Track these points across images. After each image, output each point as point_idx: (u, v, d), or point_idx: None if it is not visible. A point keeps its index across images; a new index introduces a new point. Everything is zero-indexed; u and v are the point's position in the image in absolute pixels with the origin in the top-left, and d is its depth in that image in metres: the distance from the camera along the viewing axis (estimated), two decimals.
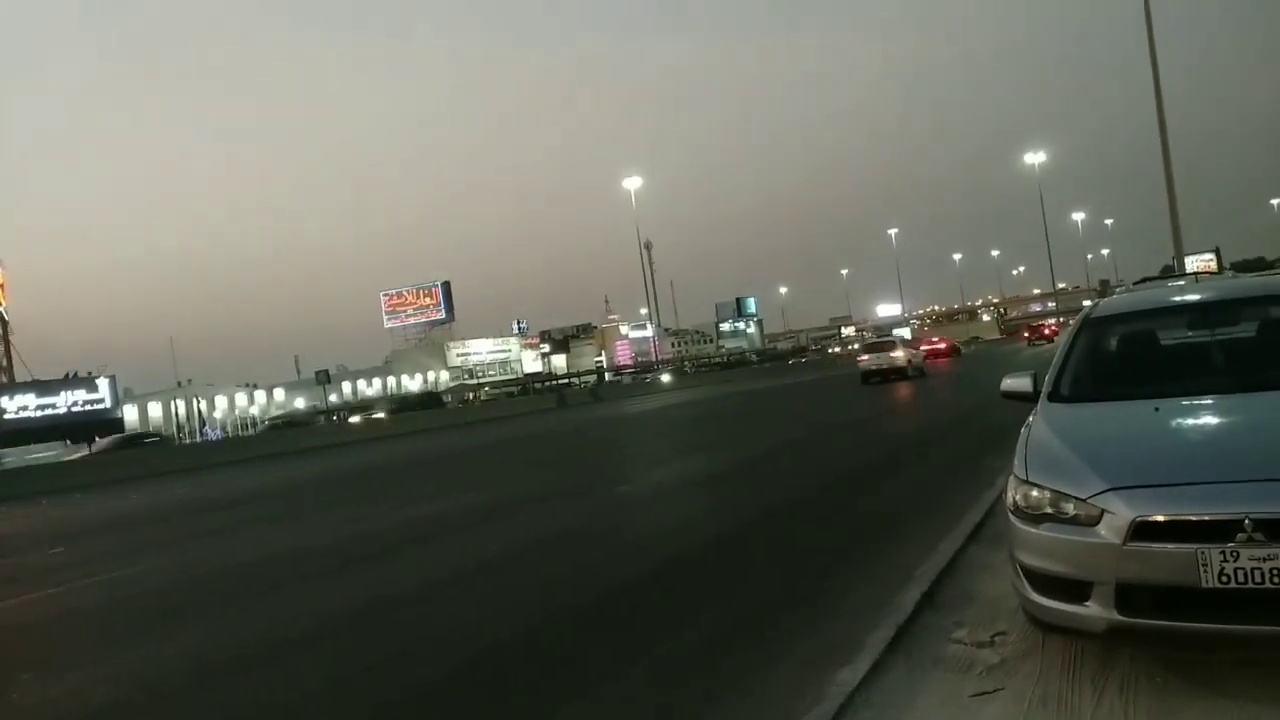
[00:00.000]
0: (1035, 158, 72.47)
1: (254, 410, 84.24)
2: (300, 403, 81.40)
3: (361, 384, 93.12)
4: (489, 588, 6.43)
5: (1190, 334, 4.92)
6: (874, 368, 31.63)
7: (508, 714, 3.91)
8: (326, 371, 50.92)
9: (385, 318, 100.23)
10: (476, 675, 4.44)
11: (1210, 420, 3.81)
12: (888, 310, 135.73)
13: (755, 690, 3.83)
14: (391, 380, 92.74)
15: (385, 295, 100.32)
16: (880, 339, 40.27)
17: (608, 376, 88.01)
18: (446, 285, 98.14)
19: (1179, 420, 3.79)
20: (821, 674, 3.68)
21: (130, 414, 73.52)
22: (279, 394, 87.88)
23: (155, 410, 78.72)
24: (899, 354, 31.94)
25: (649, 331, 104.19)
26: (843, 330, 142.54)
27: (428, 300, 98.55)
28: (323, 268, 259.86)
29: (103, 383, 63.87)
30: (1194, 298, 5.08)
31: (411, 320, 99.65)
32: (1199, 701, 3.10)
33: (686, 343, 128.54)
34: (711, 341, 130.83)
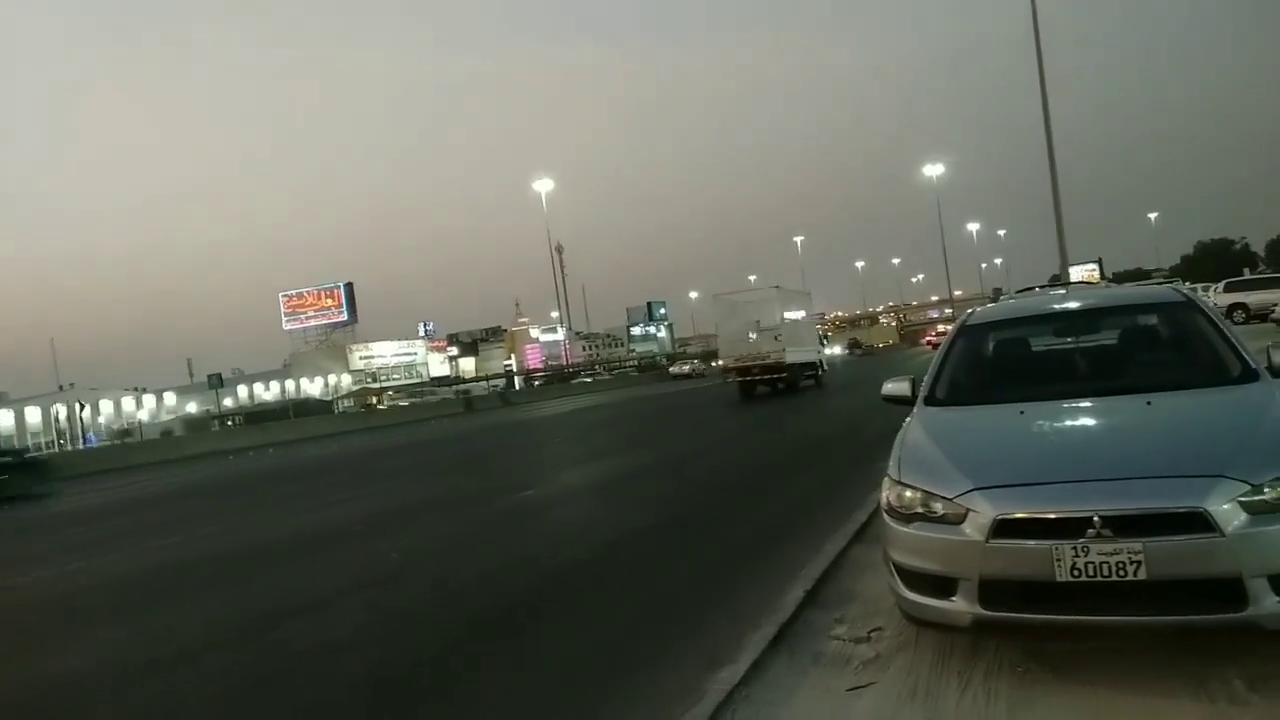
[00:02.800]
0: (934, 170, 75.04)
1: (143, 415, 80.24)
2: (192, 407, 77.94)
3: (259, 387, 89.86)
4: (380, 598, 6.30)
5: (1058, 341, 5.19)
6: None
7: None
8: (219, 375, 48.96)
9: (284, 319, 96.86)
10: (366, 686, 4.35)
11: (1070, 422, 4.02)
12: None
13: (641, 692, 3.86)
14: (290, 384, 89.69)
15: (284, 296, 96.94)
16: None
17: (518, 382, 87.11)
18: (349, 286, 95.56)
19: (1042, 423, 3.99)
20: (708, 672, 3.73)
21: (5, 419, 69.12)
22: (170, 398, 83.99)
23: (34, 416, 74.15)
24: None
25: (560, 335, 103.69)
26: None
27: (329, 302, 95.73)
28: (219, 269, 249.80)
29: None
30: (1063, 306, 5.35)
31: (312, 322, 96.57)
32: (1057, 689, 3.27)
33: (598, 346, 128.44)
34: (622, 345, 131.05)
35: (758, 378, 27.16)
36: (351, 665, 4.69)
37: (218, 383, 48.42)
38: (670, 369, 75.83)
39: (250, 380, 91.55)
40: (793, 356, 27.15)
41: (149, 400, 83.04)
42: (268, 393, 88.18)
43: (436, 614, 5.61)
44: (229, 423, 58.75)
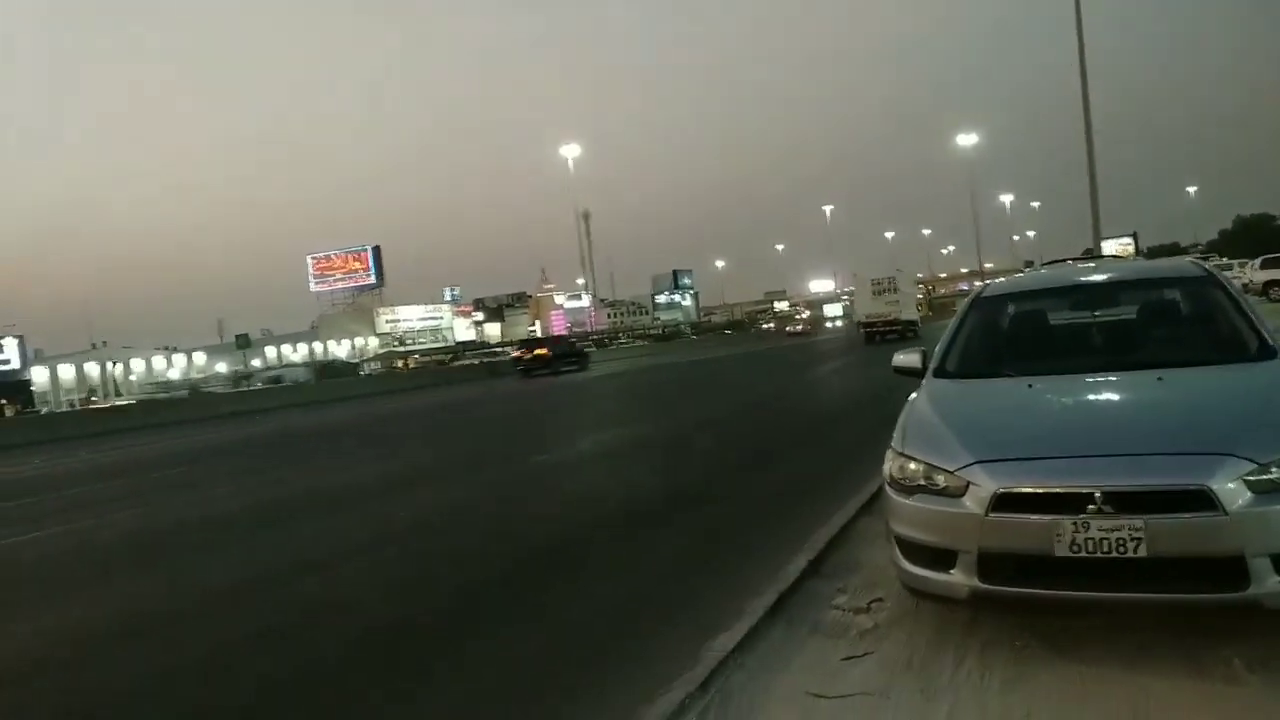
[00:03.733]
0: (967, 139, 73.67)
1: (173, 374, 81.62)
2: (222, 367, 79.13)
3: (286, 349, 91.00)
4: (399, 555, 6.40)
5: (1073, 314, 5.10)
6: None
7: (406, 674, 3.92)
8: (246, 335, 49.69)
9: (312, 281, 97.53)
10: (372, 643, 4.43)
11: (1079, 397, 3.95)
12: (820, 285, 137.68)
13: (642, 655, 3.89)
14: (318, 346, 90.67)
15: (313, 258, 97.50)
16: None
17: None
18: (377, 250, 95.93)
19: (1049, 397, 3.94)
20: (706, 639, 3.75)
21: (40, 376, 70.66)
22: (199, 358, 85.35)
23: (67, 373, 75.70)
24: None
25: (585, 302, 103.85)
26: (776, 305, 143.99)
27: (357, 265, 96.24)
28: (251, 230, 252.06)
29: (9, 343, 61.25)
30: (1079, 280, 5.26)
31: (339, 285, 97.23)
32: (1053, 665, 3.25)
33: (622, 314, 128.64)
34: (647, 313, 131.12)
35: (881, 330, 38.93)
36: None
37: (245, 343, 49.14)
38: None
39: (278, 341, 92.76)
40: (905, 315, 39.55)
41: (179, 359, 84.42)
42: (295, 354, 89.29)
43: (446, 571, 5.70)
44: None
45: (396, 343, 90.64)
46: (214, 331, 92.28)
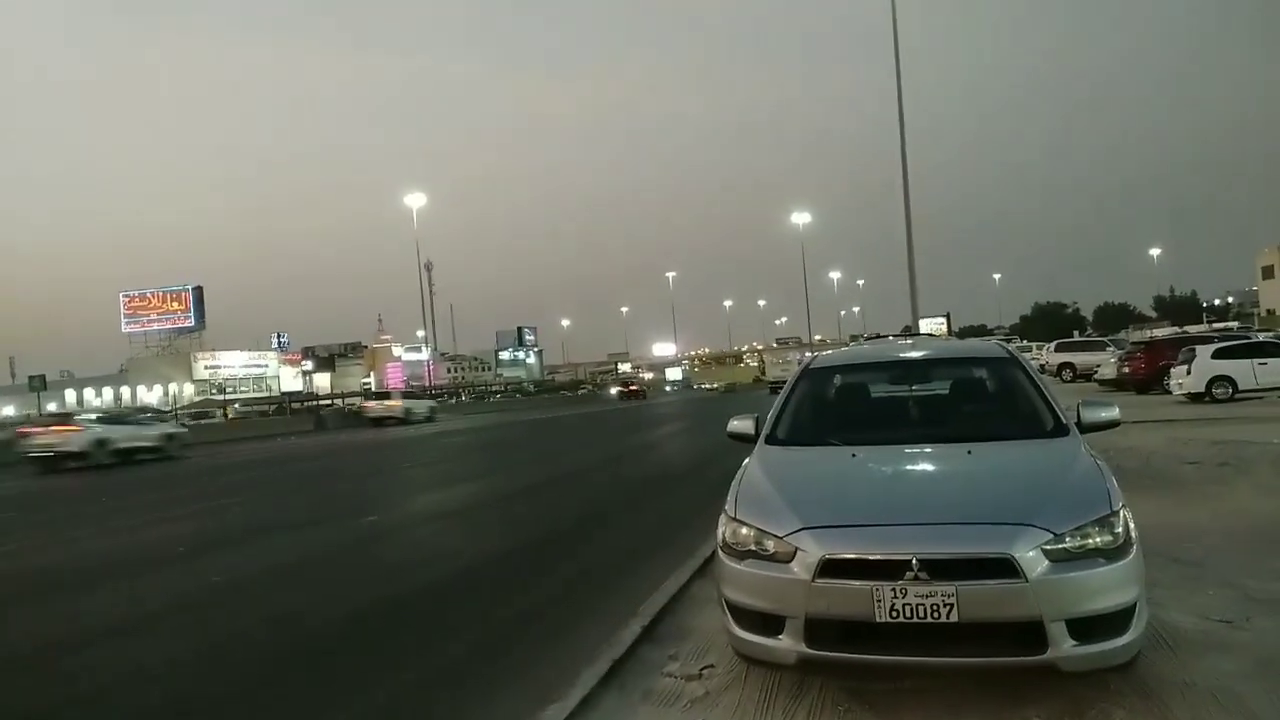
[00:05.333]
0: (800, 218, 77.95)
1: None
2: (10, 410, 71.41)
3: (89, 393, 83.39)
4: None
5: (893, 388, 5.42)
6: None
7: None
8: (43, 376, 45.08)
9: (124, 321, 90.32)
10: None
11: (898, 467, 4.18)
12: (663, 350, 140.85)
13: None
14: (126, 391, 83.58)
15: (126, 296, 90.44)
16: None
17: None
18: (198, 290, 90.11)
19: (872, 466, 4.13)
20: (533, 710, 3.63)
21: None
22: None
23: None
24: None
25: (424, 354, 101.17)
26: (618, 366, 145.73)
27: (176, 305, 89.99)
28: (56, 265, 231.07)
29: None
30: (900, 356, 5.61)
31: (155, 325, 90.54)
32: None
33: (464, 369, 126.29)
34: (490, 369, 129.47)
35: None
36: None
37: (40, 385, 44.53)
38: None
39: (80, 384, 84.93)
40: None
41: None
42: (99, 399, 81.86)
43: (252, 643, 5.26)
44: None
45: (215, 390, 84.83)
46: (3, 372, 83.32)
